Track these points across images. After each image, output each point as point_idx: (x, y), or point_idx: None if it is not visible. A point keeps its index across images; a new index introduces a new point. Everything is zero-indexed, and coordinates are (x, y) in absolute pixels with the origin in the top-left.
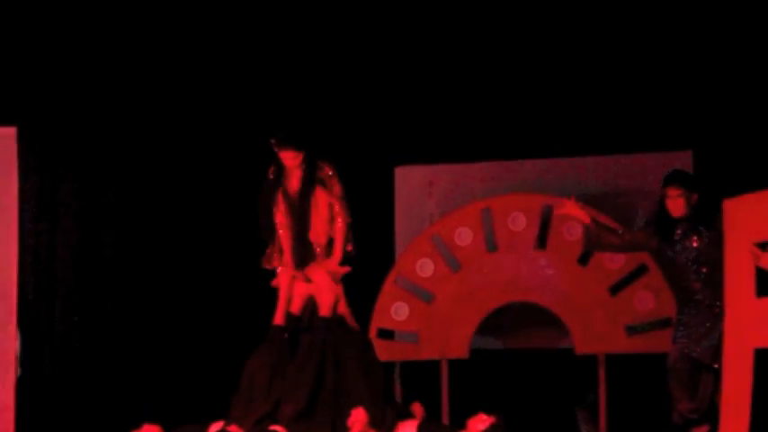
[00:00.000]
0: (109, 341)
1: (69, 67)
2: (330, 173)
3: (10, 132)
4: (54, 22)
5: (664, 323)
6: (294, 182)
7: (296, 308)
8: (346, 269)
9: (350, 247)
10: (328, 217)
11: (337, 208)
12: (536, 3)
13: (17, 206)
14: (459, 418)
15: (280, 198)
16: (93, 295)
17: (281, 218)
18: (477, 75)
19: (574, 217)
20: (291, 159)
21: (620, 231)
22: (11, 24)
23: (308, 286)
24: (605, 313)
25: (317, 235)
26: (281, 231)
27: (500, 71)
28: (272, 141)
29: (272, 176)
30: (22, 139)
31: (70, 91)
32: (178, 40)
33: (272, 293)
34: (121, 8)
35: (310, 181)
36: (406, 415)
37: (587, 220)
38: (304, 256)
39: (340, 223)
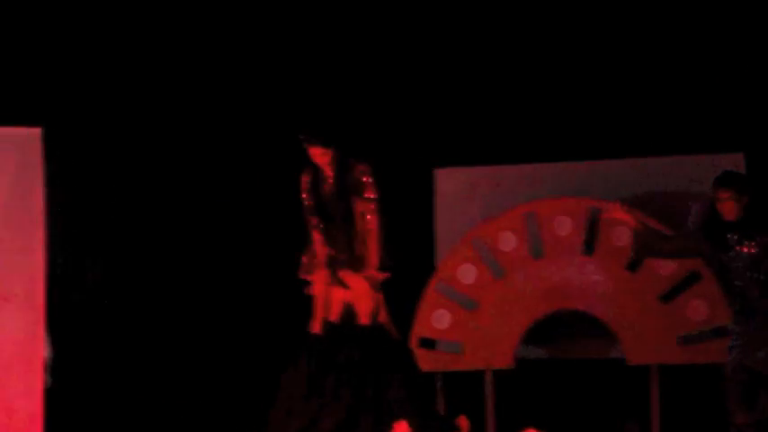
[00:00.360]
0: (143, 352)
1: (95, 67)
2: (364, 173)
3: (35, 133)
4: (83, 22)
5: (719, 332)
6: (327, 185)
7: (334, 315)
8: (385, 275)
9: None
10: (364, 222)
11: (369, 212)
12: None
13: (43, 210)
14: (506, 431)
15: (315, 203)
16: (126, 303)
17: (316, 223)
18: (522, 73)
19: (620, 221)
20: (320, 156)
21: (669, 236)
22: (39, 24)
23: (345, 293)
24: (657, 322)
25: (356, 241)
26: (315, 237)
27: (545, 70)
28: (301, 137)
29: (306, 180)
30: (48, 141)
31: (97, 91)
32: (208, 37)
33: (310, 300)
34: (145, 12)
35: (342, 184)
36: (451, 428)
37: (635, 225)
38: (339, 263)
39: (373, 228)
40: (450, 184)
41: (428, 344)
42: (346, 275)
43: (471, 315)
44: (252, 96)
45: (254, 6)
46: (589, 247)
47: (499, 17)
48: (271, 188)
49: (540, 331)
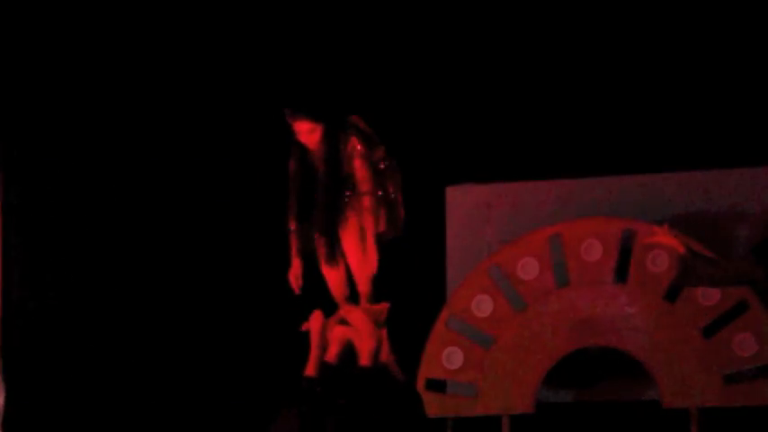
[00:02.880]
0: (106, 401)
1: (51, 90)
2: (360, 155)
3: None
4: (33, 39)
5: None
6: (316, 174)
7: (331, 356)
8: (385, 306)
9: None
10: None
11: (365, 212)
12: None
13: None
14: None
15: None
16: (91, 349)
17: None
18: (544, 76)
19: (667, 247)
20: (307, 134)
21: (717, 261)
22: None
23: (345, 330)
24: (698, 359)
25: (358, 270)
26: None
27: (570, 72)
28: (286, 111)
29: (293, 165)
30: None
31: (52, 113)
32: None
33: (304, 338)
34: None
35: (335, 171)
36: None
37: (683, 251)
38: (331, 221)
39: (368, 242)
40: (464, 203)
41: (437, 386)
42: (347, 311)
43: (487, 353)
44: (237, 123)
45: (247, 12)
46: (622, 274)
47: (519, 21)
48: (245, 214)
49: (565, 371)
